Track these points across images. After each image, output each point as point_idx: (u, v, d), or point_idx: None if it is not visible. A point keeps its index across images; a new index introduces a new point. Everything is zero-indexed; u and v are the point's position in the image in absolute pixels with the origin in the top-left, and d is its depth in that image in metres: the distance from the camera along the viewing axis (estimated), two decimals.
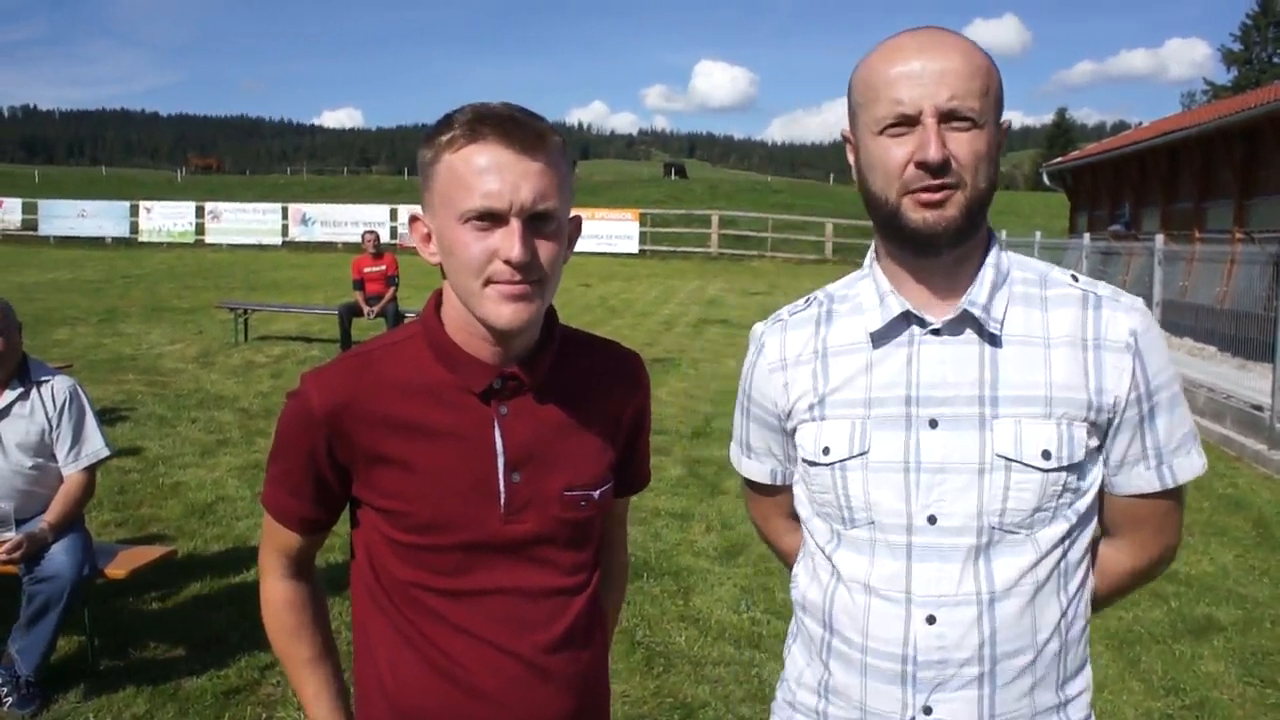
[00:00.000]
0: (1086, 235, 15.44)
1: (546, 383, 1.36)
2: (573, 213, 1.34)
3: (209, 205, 32.80)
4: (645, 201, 35.16)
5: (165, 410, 8.47)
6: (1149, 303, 10.75)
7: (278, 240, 31.61)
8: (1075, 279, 1.35)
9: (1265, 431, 7.77)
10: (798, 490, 1.45)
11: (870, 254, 1.39)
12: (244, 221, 32.16)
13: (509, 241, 1.22)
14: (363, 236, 12.66)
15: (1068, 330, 1.30)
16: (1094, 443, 1.30)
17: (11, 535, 3.46)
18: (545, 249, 1.25)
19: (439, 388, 1.32)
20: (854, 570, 1.33)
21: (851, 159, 1.34)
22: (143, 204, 33.21)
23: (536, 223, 1.24)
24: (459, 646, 1.32)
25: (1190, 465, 1.34)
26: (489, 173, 1.21)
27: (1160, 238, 11.62)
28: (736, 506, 6.06)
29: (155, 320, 14.54)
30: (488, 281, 1.24)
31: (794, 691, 1.45)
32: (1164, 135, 17.24)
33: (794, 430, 1.40)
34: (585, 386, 1.41)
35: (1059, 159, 26.33)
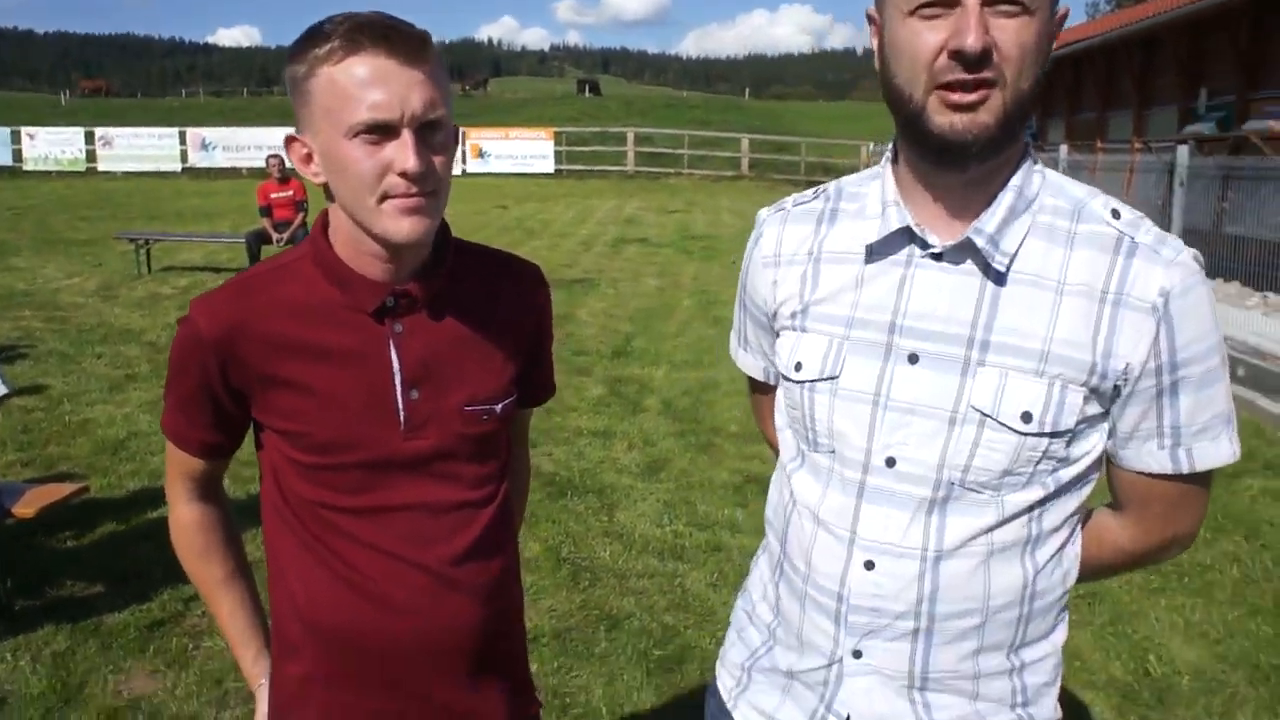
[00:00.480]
0: None
1: (442, 298, 1.34)
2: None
3: (99, 131, 31.04)
4: (560, 120, 34.52)
5: (67, 346, 8.16)
6: None
7: (177, 167, 30.20)
8: (1116, 215, 1.15)
9: None
10: (778, 395, 1.35)
11: (888, 151, 1.22)
12: (139, 147, 30.57)
13: (403, 153, 1.19)
14: (267, 161, 12.24)
15: (1087, 277, 1.12)
16: (1093, 410, 1.14)
17: None
18: (437, 158, 1.23)
19: (331, 308, 1.30)
20: (807, 497, 1.26)
21: (874, 44, 1.16)
22: (25, 130, 31.25)
23: (426, 132, 1.22)
24: (367, 561, 1.34)
25: (1216, 452, 1.17)
26: (375, 84, 1.18)
27: (1064, 147, 11.93)
28: (658, 424, 6.16)
29: (49, 253, 13.87)
30: (384, 197, 1.22)
31: (753, 602, 1.41)
32: (1068, 45, 17.54)
33: (778, 333, 1.30)
34: (482, 300, 1.40)
35: None
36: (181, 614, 3.65)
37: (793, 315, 1.26)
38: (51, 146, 30.69)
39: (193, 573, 1.48)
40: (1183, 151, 8.38)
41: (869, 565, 1.19)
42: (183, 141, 30.50)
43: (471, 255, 1.43)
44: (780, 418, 1.35)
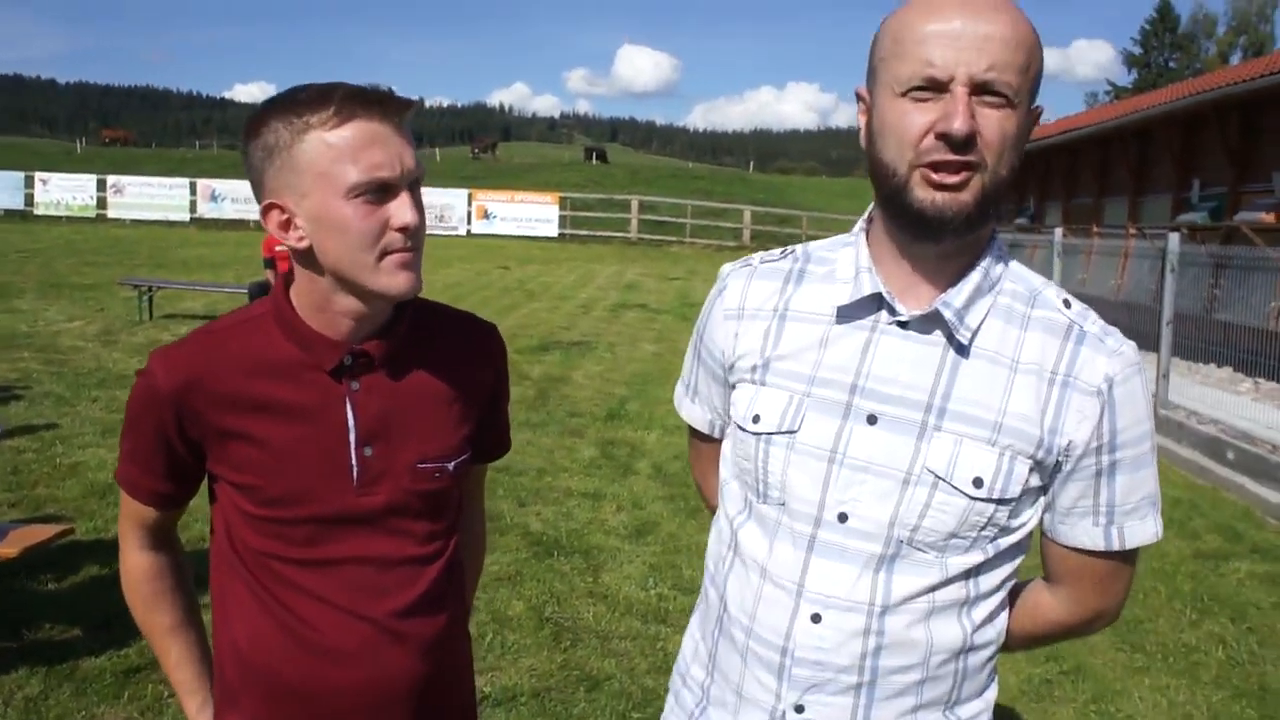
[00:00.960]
0: None
1: (399, 356, 1.37)
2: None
3: (111, 178, 31.49)
4: (565, 185, 35.04)
5: (63, 389, 8.18)
6: None
7: (186, 216, 30.58)
8: (1067, 304, 1.23)
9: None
10: (724, 446, 1.37)
11: (861, 221, 1.28)
12: (149, 196, 30.98)
13: (403, 210, 1.26)
14: None
15: (1038, 358, 1.19)
16: (1035, 482, 1.20)
17: None
18: (420, 215, 1.30)
19: (289, 366, 1.33)
20: (754, 550, 1.27)
21: (862, 121, 1.21)
22: (39, 175, 31.72)
23: (415, 189, 1.29)
24: (312, 611, 1.35)
25: (1144, 531, 1.23)
26: (373, 146, 1.24)
27: (1059, 230, 12.12)
28: (647, 487, 6.16)
29: (53, 296, 13.97)
30: (383, 253, 1.27)
31: (688, 664, 1.42)
32: (1066, 133, 17.93)
33: (733, 386, 1.32)
34: (439, 359, 1.42)
35: None
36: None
37: (753, 368, 1.28)
38: (64, 192, 31.10)
39: (141, 620, 1.49)
40: (1174, 239, 8.51)
41: (815, 618, 1.21)
42: (193, 192, 30.92)
43: (430, 314, 1.46)
44: (725, 470, 1.36)
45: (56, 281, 15.69)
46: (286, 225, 1.29)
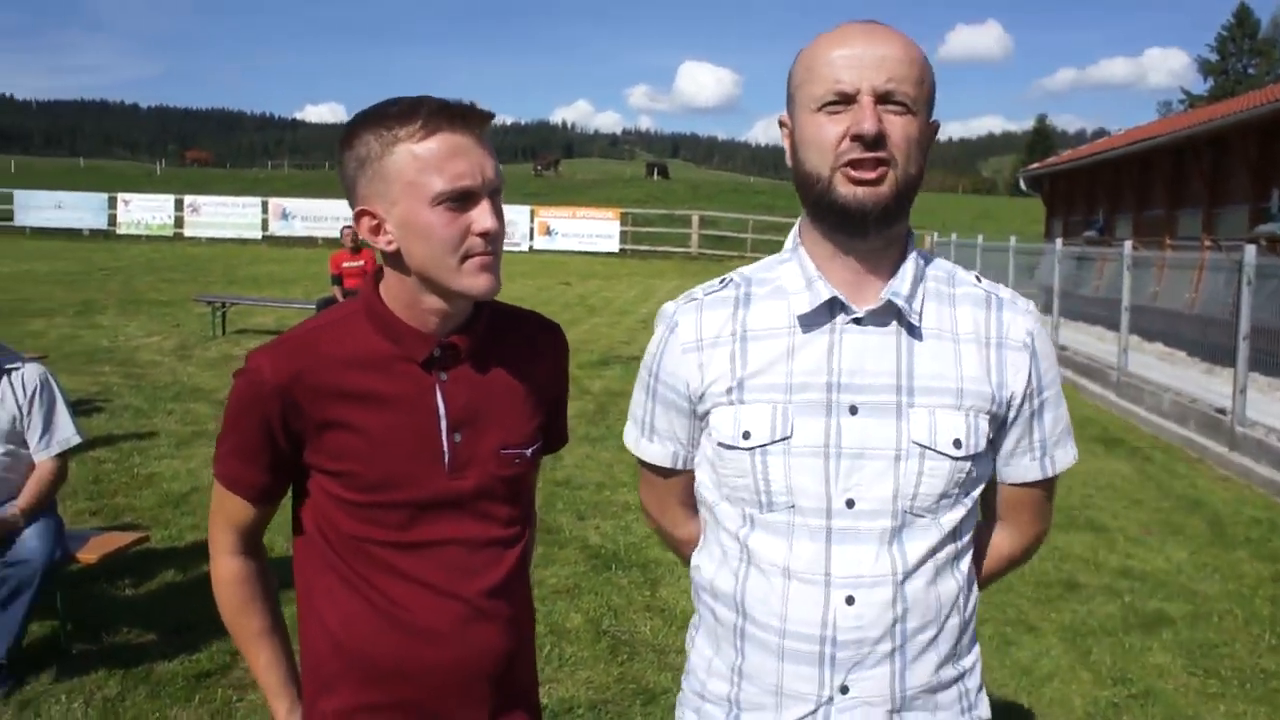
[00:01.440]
0: (1059, 240, 15.63)
1: (481, 350, 1.48)
2: None
3: (188, 198, 32.62)
4: (627, 201, 35.25)
5: (141, 402, 8.49)
6: (1119, 307, 10.97)
7: (257, 234, 31.50)
8: (979, 280, 1.42)
9: (1226, 434, 7.94)
10: (702, 474, 1.44)
11: (792, 238, 1.41)
12: (223, 215, 32.03)
13: (484, 216, 1.36)
14: (341, 231, 12.69)
15: (972, 328, 1.36)
16: (991, 435, 1.37)
17: None
18: (501, 222, 1.40)
19: (383, 359, 1.43)
20: (771, 554, 1.34)
21: (787, 143, 1.36)
22: (121, 196, 32.98)
23: (495, 198, 1.39)
24: (406, 592, 1.43)
25: (1066, 456, 1.44)
26: (456, 157, 1.34)
27: (1129, 244, 11.82)
28: None
29: (132, 313, 14.50)
30: (465, 257, 1.37)
31: (703, 681, 1.45)
32: (1137, 143, 17.50)
33: (706, 413, 1.39)
34: (514, 354, 1.53)
35: (1036, 165, 26.61)
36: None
37: (727, 391, 1.36)
38: (144, 212, 32.31)
39: (233, 624, 1.54)
40: (1250, 251, 8.25)
41: (849, 600, 1.32)
42: (264, 210, 31.87)
43: (503, 313, 1.57)
44: (711, 493, 1.42)
45: (136, 298, 16.27)
46: (377, 230, 1.40)
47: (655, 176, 53.48)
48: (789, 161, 1.36)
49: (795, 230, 1.41)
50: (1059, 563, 5.35)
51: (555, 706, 3.55)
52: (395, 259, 1.41)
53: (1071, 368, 12.13)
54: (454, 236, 1.35)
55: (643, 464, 1.54)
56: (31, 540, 3.53)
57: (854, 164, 1.25)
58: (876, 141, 1.23)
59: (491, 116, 1.39)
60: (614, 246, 29.74)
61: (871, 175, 1.25)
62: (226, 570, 1.53)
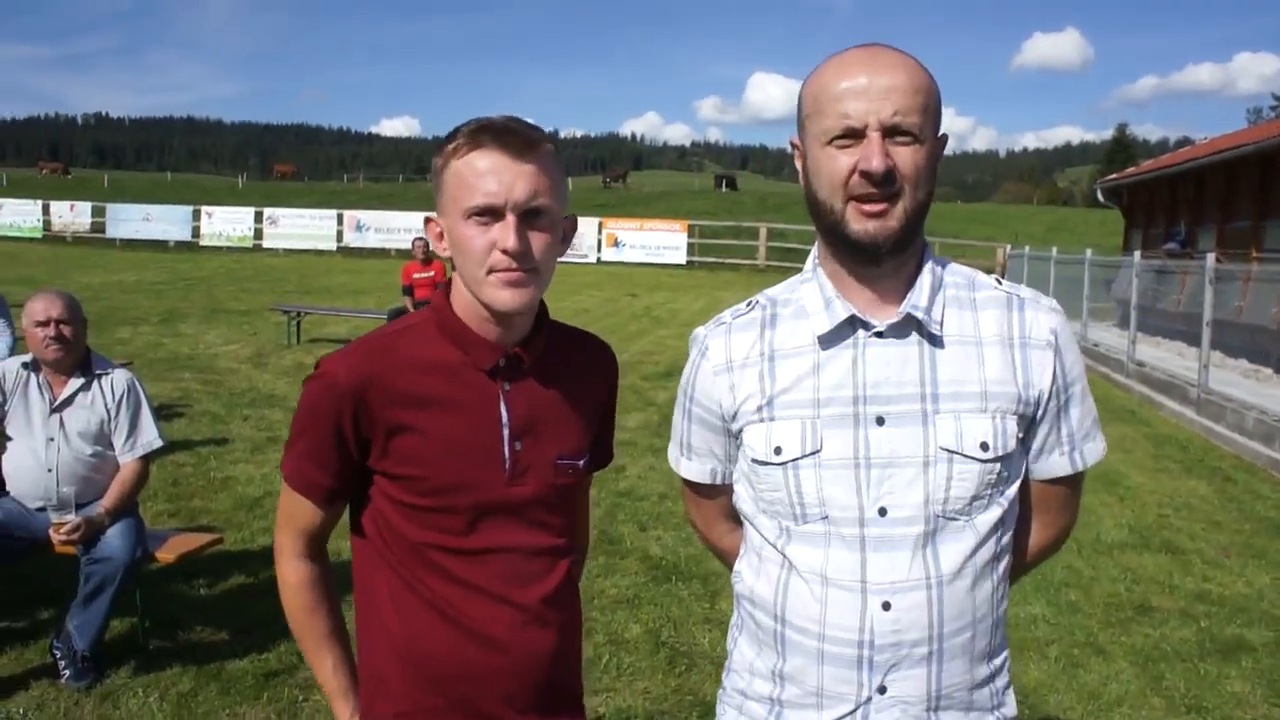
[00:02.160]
0: (1137, 253, 15.19)
1: (542, 363, 1.53)
2: (567, 213, 1.51)
3: (267, 211, 33.61)
4: (694, 213, 35.28)
5: (219, 408, 8.76)
6: (1200, 322, 10.62)
7: (333, 246, 32.29)
8: (999, 282, 1.46)
9: None
10: (740, 489, 1.51)
11: (812, 259, 1.46)
12: (300, 227, 32.93)
13: (505, 233, 1.39)
14: (413, 243, 12.94)
15: (996, 330, 1.40)
16: (1021, 434, 1.40)
17: (72, 518, 3.68)
18: (538, 240, 1.42)
19: (451, 366, 1.48)
20: (809, 562, 1.39)
21: (799, 166, 1.41)
22: (204, 209, 34.14)
23: (530, 218, 1.41)
24: (464, 597, 1.48)
25: (1096, 449, 1.48)
26: (489, 175, 1.39)
27: (1211, 256, 11.43)
28: None
29: (213, 321, 14.98)
30: (490, 270, 1.41)
31: (747, 680, 1.51)
32: (1221, 152, 16.92)
33: (740, 431, 1.45)
34: (571, 371, 1.58)
35: (1114, 175, 25.92)
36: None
37: (758, 409, 1.42)
38: (225, 224, 33.40)
39: (300, 627, 1.58)
40: None
41: (885, 606, 1.36)
42: (340, 223, 32.66)
43: (561, 330, 1.62)
44: (748, 508, 1.49)
45: (216, 307, 16.81)
46: (440, 237, 1.49)
47: (723, 188, 53.41)
48: (801, 183, 1.41)
49: (814, 252, 1.46)
50: (1131, 584, 5.20)
51: (613, 716, 3.57)
52: (455, 266, 1.49)
53: (1149, 384, 11.77)
54: (480, 250, 1.40)
55: (685, 481, 1.61)
56: (115, 539, 3.68)
57: (863, 198, 1.30)
58: (886, 178, 1.28)
59: (537, 138, 1.42)
60: (681, 258, 29.80)
61: (879, 208, 1.30)
62: (294, 574, 1.57)
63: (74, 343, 3.81)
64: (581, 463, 1.58)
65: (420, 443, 1.45)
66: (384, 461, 1.47)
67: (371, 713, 1.54)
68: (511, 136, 1.40)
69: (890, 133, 1.29)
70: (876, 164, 1.27)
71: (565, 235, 1.50)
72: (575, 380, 1.58)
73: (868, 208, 1.30)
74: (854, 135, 1.29)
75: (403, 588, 1.49)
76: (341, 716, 1.60)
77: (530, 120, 1.46)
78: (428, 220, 1.52)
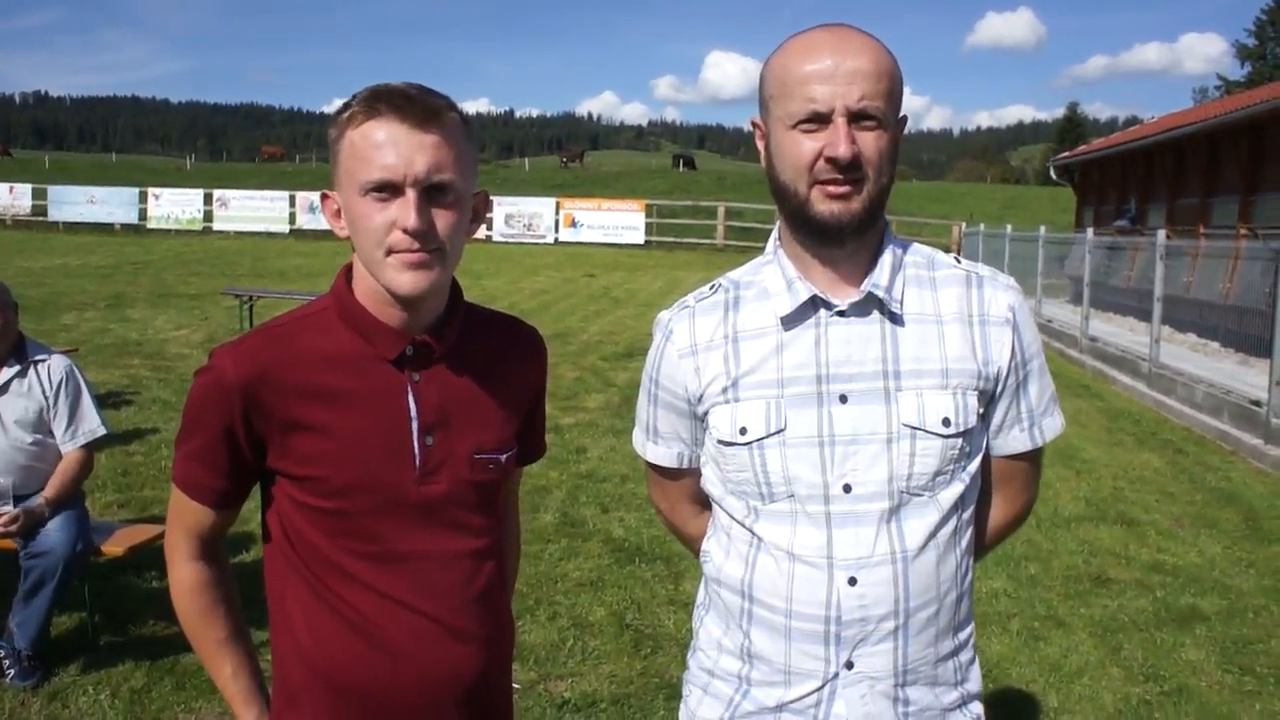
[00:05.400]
0: (1090, 230, 15.40)
1: (455, 351, 1.42)
2: (478, 189, 1.41)
3: (217, 193, 32.89)
4: (652, 192, 35.17)
5: (170, 395, 8.56)
6: (1150, 298, 10.79)
7: (285, 228, 31.71)
8: (958, 260, 1.47)
9: (1262, 427, 7.79)
10: (708, 471, 1.50)
11: (773, 241, 1.46)
12: (251, 209, 32.26)
13: (405, 211, 1.28)
14: None
15: (955, 308, 1.41)
16: (981, 410, 1.42)
17: (9, 509, 3.56)
18: (443, 219, 1.31)
19: (353, 356, 1.37)
20: (777, 539, 1.40)
21: (761, 146, 1.41)
22: (151, 191, 33.33)
23: (433, 194, 1.30)
24: (374, 606, 1.37)
25: (1054, 425, 1.50)
26: (385, 146, 1.28)
27: (1162, 233, 11.61)
28: None
29: (161, 306, 14.64)
30: (389, 251, 1.30)
31: (714, 658, 1.50)
32: (1170, 130, 17.20)
33: (706, 413, 1.44)
34: (489, 357, 1.47)
35: (1066, 154, 26.26)
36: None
37: (723, 390, 1.42)
38: (173, 207, 32.61)
39: (193, 632, 1.47)
40: None
41: (852, 581, 1.37)
42: (292, 204, 32.04)
43: (479, 315, 1.51)
44: (717, 488, 1.49)
45: (165, 292, 16.44)
46: (337, 214, 1.38)
47: (681, 168, 53.29)
48: (762, 163, 1.41)
49: (775, 233, 1.46)
50: (1088, 557, 5.27)
51: (578, 700, 3.54)
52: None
53: (1102, 359, 11.96)
54: (378, 229, 1.29)
55: (650, 465, 1.60)
56: (55, 533, 3.56)
57: (828, 182, 1.31)
58: (851, 164, 1.29)
59: (440, 106, 1.31)
60: (639, 238, 29.67)
61: (845, 190, 1.31)
62: (186, 577, 1.45)
63: (4, 330, 3.67)
64: (504, 457, 1.46)
65: (320, 441, 1.34)
66: (283, 461, 1.37)
67: None
68: (410, 104, 1.28)
69: (856, 118, 1.29)
70: (843, 151, 1.28)
71: (476, 213, 1.40)
72: (495, 367, 1.47)
73: (832, 189, 1.31)
74: (819, 120, 1.29)
75: (310, 594, 1.39)
76: None
77: (434, 87, 1.34)
78: (324, 196, 1.39)
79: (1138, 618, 4.49)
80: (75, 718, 3.35)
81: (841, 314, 1.38)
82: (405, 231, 1.28)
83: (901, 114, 1.37)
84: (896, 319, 1.38)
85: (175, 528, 1.47)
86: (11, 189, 34.18)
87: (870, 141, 1.30)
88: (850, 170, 1.29)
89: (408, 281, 1.31)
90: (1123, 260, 14.95)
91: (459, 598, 1.41)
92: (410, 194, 1.28)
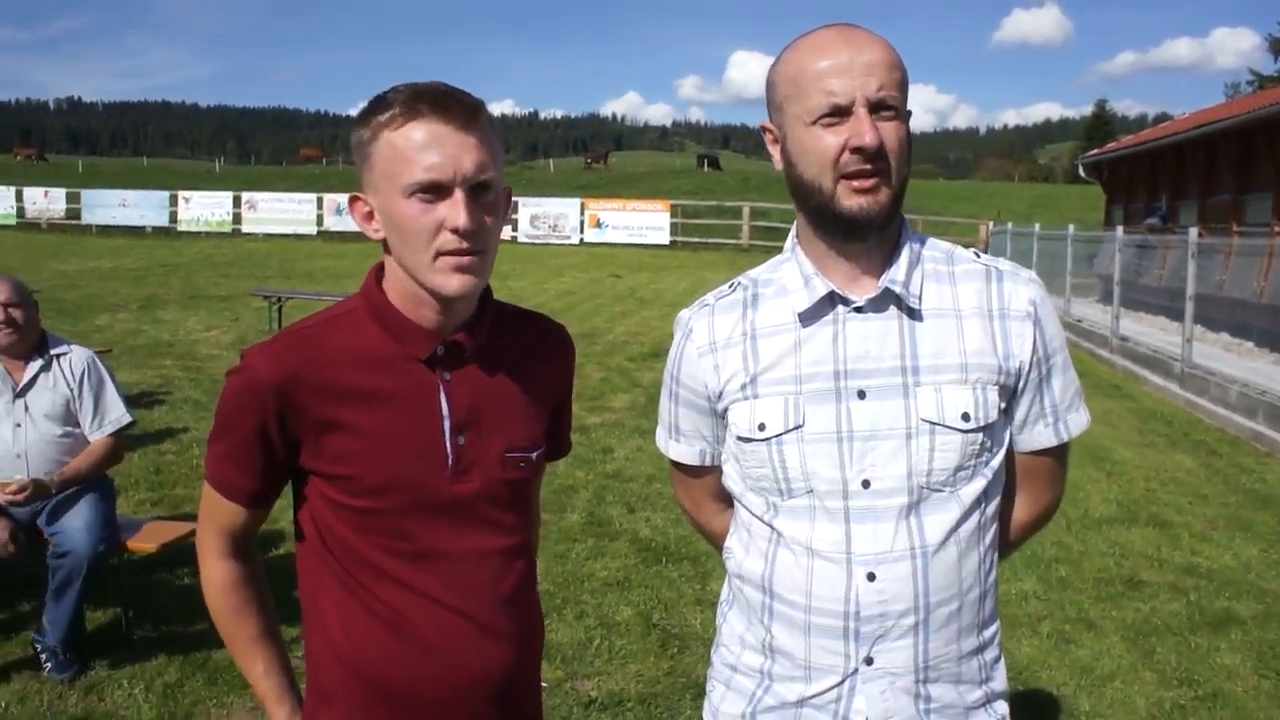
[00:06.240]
0: (1120, 228, 15.22)
1: (486, 350, 1.42)
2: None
3: (245, 195, 33.23)
4: (677, 193, 35.14)
5: (201, 395, 8.66)
6: (1182, 297, 10.64)
7: (313, 230, 31.97)
8: (978, 255, 1.46)
9: None
10: (728, 468, 1.51)
11: (791, 239, 1.47)
12: (280, 211, 32.56)
13: (455, 211, 1.28)
14: None
15: (975, 302, 1.40)
16: (1003, 405, 1.41)
17: (19, 478, 3.61)
18: (487, 218, 1.32)
19: (385, 356, 1.37)
20: (796, 535, 1.40)
21: (775, 151, 1.41)
22: (181, 194, 33.73)
23: (478, 192, 1.30)
24: (409, 605, 1.37)
25: (1080, 420, 1.48)
26: (430, 147, 1.27)
27: (1194, 231, 11.46)
28: None
29: (193, 307, 14.82)
30: (437, 254, 1.29)
31: (736, 654, 1.51)
32: (1202, 127, 16.97)
33: (725, 410, 1.45)
34: (520, 356, 1.47)
35: (1095, 151, 25.97)
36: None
37: (742, 387, 1.43)
38: (203, 209, 32.98)
39: (226, 630, 1.47)
40: None
41: (870, 577, 1.37)
42: (319, 206, 32.30)
43: (508, 313, 1.51)
44: (736, 486, 1.50)
45: (195, 293, 16.63)
46: (369, 217, 1.36)
47: (706, 168, 53.19)
48: (778, 166, 1.41)
49: (793, 231, 1.47)
50: (1120, 559, 5.21)
51: (605, 699, 3.54)
52: (388, 249, 1.36)
53: (1133, 359, 11.82)
54: (425, 230, 1.28)
55: (674, 463, 1.60)
56: (79, 533, 3.61)
57: (855, 175, 1.31)
58: (878, 153, 1.29)
59: (477, 105, 1.31)
60: (664, 239, 29.65)
61: (872, 183, 1.31)
62: (218, 574, 1.46)
63: (26, 327, 3.73)
64: (535, 455, 1.47)
65: (353, 440, 1.34)
66: (316, 460, 1.37)
67: (315, 719, 1.45)
68: (453, 104, 1.28)
69: (875, 108, 1.30)
70: (870, 139, 1.28)
71: (504, 209, 1.40)
72: (525, 365, 1.47)
73: (858, 184, 1.31)
74: (840, 113, 1.30)
75: (343, 591, 1.39)
76: (279, 718, 1.48)
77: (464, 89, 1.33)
78: (353, 199, 1.37)
79: (1171, 621, 4.43)
80: (110, 711, 3.39)
81: (859, 310, 1.38)
82: (455, 232, 1.28)
83: (908, 108, 1.38)
84: (915, 314, 1.38)
85: (207, 525, 1.47)
86: (46, 193, 34.72)
87: (891, 131, 1.31)
88: (876, 160, 1.30)
89: (456, 284, 1.31)
90: (1153, 259, 14.77)
91: (490, 595, 1.41)
92: (459, 194, 1.28)
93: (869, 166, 1.30)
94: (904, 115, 1.33)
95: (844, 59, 1.30)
